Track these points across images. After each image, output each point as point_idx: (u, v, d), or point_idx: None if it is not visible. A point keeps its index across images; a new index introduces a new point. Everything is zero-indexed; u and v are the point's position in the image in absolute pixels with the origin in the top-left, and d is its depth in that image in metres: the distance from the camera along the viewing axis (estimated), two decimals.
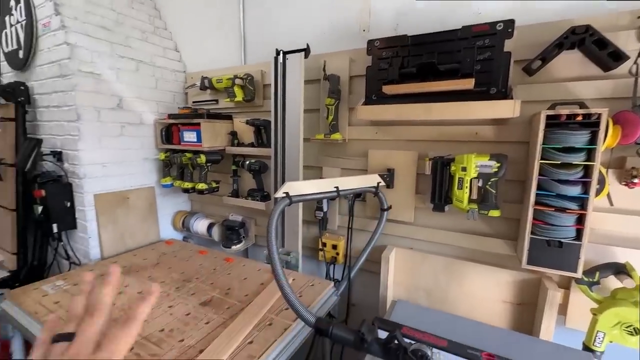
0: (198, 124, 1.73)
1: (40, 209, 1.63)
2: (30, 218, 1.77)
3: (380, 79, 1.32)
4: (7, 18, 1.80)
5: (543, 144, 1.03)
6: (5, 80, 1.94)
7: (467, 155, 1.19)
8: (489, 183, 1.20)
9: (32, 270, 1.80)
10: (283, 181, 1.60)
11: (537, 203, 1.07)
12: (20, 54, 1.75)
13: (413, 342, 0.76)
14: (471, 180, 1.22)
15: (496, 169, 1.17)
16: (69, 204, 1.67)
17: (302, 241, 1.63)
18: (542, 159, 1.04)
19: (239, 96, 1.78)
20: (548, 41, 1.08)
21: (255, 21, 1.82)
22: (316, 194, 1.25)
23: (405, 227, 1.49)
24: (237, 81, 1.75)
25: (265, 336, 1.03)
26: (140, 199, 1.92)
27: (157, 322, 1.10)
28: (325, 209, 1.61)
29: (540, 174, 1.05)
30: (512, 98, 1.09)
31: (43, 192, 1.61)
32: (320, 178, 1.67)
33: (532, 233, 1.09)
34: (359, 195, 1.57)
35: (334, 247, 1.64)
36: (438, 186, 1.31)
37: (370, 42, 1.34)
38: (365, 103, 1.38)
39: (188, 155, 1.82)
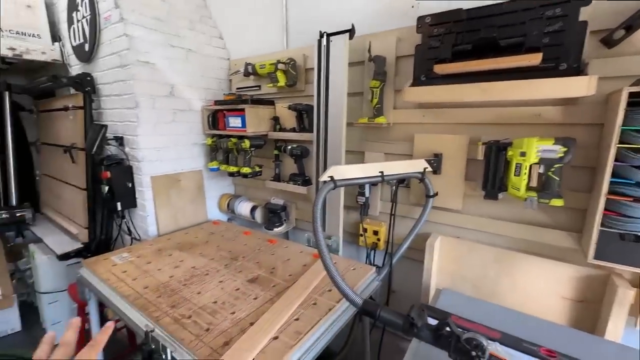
0: (242, 110, 1.78)
1: (106, 188, 1.80)
2: (98, 197, 1.98)
3: (431, 58, 1.25)
4: (74, 14, 1.96)
5: (623, 125, 0.91)
6: (73, 72, 2.14)
7: (528, 139, 1.09)
8: (552, 169, 1.09)
9: (101, 243, 2.02)
10: (325, 166, 1.61)
11: (610, 192, 0.96)
12: (86, 47, 1.91)
13: (465, 330, 0.74)
14: (531, 166, 1.12)
15: (562, 154, 1.07)
16: (130, 185, 1.83)
17: (343, 226, 1.64)
18: (620, 142, 0.92)
19: (282, 81, 1.79)
20: (635, 7, 0.94)
21: (298, 3, 1.80)
22: (360, 178, 1.24)
23: (451, 214, 1.43)
24: (280, 66, 1.76)
25: (310, 314, 1.06)
26: (190, 181, 2.05)
27: (210, 295, 1.18)
28: (367, 194, 1.59)
29: (616, 160, 0.94)
30: (586, 74, 0.97)
31: (109, 174, 1.77)
32: (363, 163, 1.65)
33: (602, 225, 0.99)
34: (402, 181, 1.53)
35: (375, 233, 1.63)
36: (492, 172, 1.23)
37: (421, 19, 1.26)
38: (414, 84, 1.32)
39: (233, 140, 1.89)
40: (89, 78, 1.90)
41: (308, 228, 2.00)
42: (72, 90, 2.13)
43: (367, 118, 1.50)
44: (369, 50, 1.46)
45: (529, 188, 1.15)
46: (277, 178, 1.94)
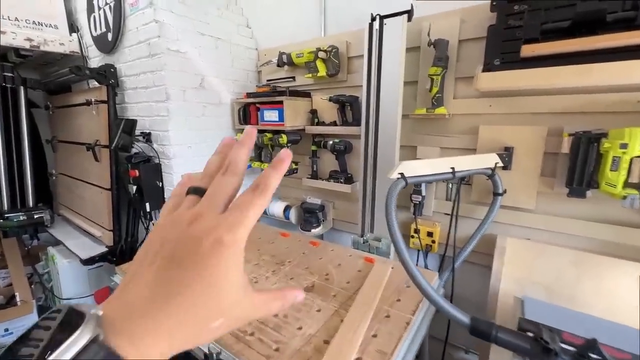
0: (280, 103, 1.65)
1: (134, 188, 1.68)
2: (123, 197, 1.86)
3: (508, 40, 1.11)
4: (94, 1, 1.83)
5: None
6: (93, 65, 2.01)
7: (632, 129, 0.96)
8: None
9: (126, 246, 1.90)
10: (375, 162, 1.48)
11: None
12: (109, 36, 1.77)
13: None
14: (631, 159, 0.99)
15: None
16: (160, 184, 1.70)
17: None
18: None
19: (322, 71, 1.66)
20: None
21: None
22: (430, 175, 1.12)
23: (521, 214, 1.30)
24: (320, 54, 1.63)
25: (387, 330, 0.94)
26: None
27: None
28: (424, 192, 1.46)
29: None
30: None
31: (137, 172, 1.65)
32: (415, 159, 1.52)
33: None
34: (463, 177, 1.39)
35: (430, 234, 1.50)
36: (579, 167, 1.10)
37: None
38: (486, 70, 1.18)
39: (268, 135, 1.76)
40: (112, 70, 1.77)
41: (346, 229, 1.88)
42: (93, 84, 2.01)
43: (425, 109, 1.37)
44: (429, 34, 1.33)
45: (627, 184, 1.02)
46: (315, 175, 1.81)
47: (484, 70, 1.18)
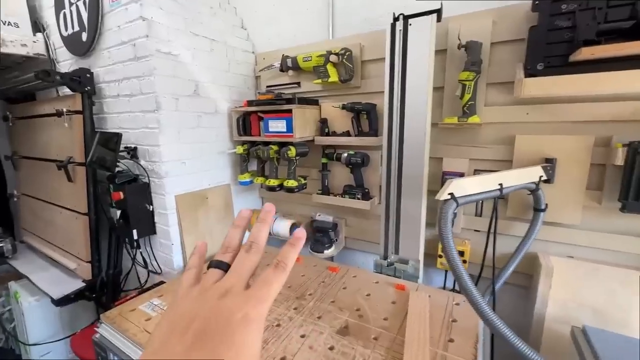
0: (288, 111, 1.47)
1: (118, 213, 1.43)
2: (103, 222, 1.60)
3: (554, 42, 1.02)
4: None
5: None
6: (62, 70, 1.74)
7: None
8: None
9: (108, 280, 1.63)
10: (399, 176, 1.34)
11: None
12: (84, 36, 1.52)
13: None
14: None
15: None
16: (149, 207, 1.47)
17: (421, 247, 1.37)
18: None
19: (334, 76, 1.50)
20: None
21: None
22: (479, 194, 0.99)
23: (563, 230, 1.20)
24: (332, 58, 1.47)
25: None
26: (217, 198, 1.71)
27: None
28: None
29: None
30: None
31: (121, 194, 1.41)
32: (441, 171, 1.39)
33: None
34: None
35: (461, 253, 1.37)
36: (635, 180, 1.01)
37: None
38: (529, 75, 1.07)
39: (274, 147, 1.58)
40: (88, 75, 1.52)
41: (361, 248, 1.72)
42: (63, 91, 1.74)
43: (456, 118, 1.25)
44: (459, 37, 1.21)
45: None
46: (326, 191, 1.64)
47: (526, 76, 1.07)
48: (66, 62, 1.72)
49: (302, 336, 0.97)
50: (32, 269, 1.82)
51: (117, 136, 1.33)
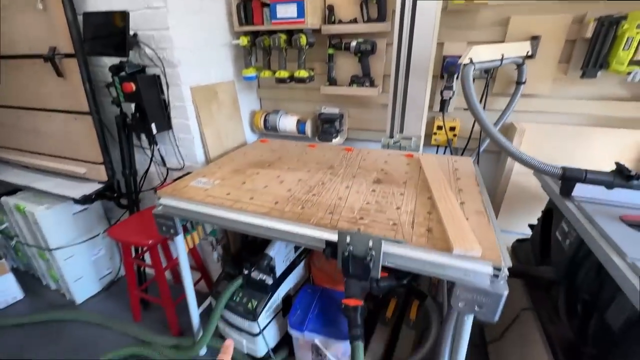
0: None
1: (133, 106, 1.39)
2: (105, 120, 1.54)
3: None
4: None
5: None
6: None
7: None
8: None
9: (127, 182, 1.65)
10: (408, 62, 1.47)
11: None
12: None
13: None
14: None
15: None
16: (165, 99, 1.44)
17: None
18: None
19: None
20: None
21: None
22: (487, 62, 1.19)
23: (536, 100, 1.50)
24: None
25: (470, 198, 1.08)
26: (225, 94, 1.70)
27: (354, 199, 1.09)
28: (454, 87, 1.54)
29: None
30: None
31: (133, 86, 1.35)
32: (442, 55, 1.55)
33: None
34: (488, 70, 1.50)
35: (452, 129, 1.64)
36: (597, 49, 1.28)
37: None
38: None
39: (283, 36, 1.56)
40: None
41: (363, 137, 1.92)
42: None
43: None
44: None
45: (632, 62, 1.24)
46: (333, 82, 1.73)
47: None
48: None
49: (347, 187, 1.20)
50: (28, 180, 1.74)
51: (123, 13, 1.21)
